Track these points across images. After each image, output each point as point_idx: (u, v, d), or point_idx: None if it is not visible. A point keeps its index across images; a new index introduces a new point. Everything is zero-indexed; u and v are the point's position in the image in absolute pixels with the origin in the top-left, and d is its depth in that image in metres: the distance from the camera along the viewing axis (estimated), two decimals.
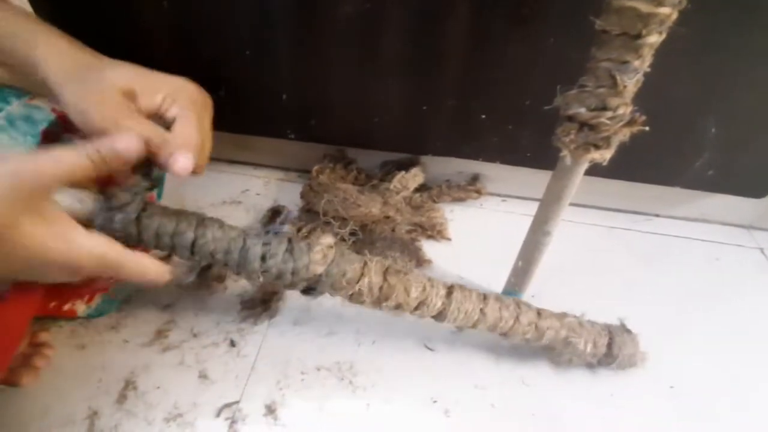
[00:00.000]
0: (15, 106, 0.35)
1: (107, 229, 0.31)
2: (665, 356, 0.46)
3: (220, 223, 0.35)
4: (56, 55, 0.30)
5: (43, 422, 0.39)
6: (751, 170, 0.54)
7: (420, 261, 0.54)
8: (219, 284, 0.50)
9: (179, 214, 0.34)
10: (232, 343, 0.46)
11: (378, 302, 0.37)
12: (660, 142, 0.52)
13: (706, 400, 0.43)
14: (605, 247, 0.59)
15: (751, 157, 0.52)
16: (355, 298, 0.37)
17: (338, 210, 0.55)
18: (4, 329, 0.33)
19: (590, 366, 0.44)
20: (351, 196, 0.55)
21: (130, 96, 0.31)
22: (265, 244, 0.35)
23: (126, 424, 0.40)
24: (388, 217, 0.56)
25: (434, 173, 0.63)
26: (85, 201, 0.30)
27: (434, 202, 0.62)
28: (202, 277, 0.49)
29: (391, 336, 0.47)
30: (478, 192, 0.63)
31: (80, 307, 0.44)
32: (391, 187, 0.58)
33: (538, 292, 0.52)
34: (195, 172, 0.32)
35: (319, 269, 0.35)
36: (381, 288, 0.37)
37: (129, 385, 0.42)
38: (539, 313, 0.41)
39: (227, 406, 0.41)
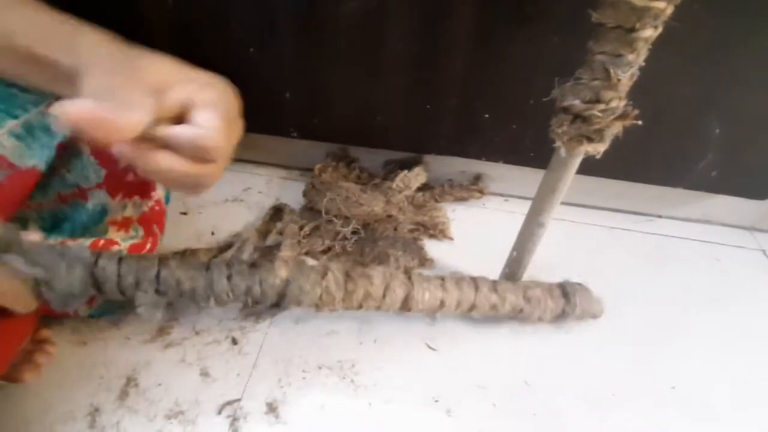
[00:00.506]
0: (33, 115, 0.34)
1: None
2: (666, 357, 0.47)
3: (180, 258, 0.36)
4: (95, 43, 0.28)
5: (44, 418, 0.39)
6: (754, 171, 0.54)
7: (422, 260, 0.54)
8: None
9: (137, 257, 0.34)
10: (234, 341, 0.46)
11: (348, 298, 0.38)
12: (663, 143, 0.52)
13: (707, 400, 0.43)
14: (606, 247, 0.59)
15: (755, 158, 0.52)
16: (324, 297, 0.37)
17: (340, 208, 0.55)
18: (10, 328, 0.33)
19: (558, 320, 0.46)
20: (353, 195, 0.55)
21: (159, 91, 0.27)
22: (228, 266, 0.36)
23: (127, 421, 0.40)
24: (390, 216, 0.56)
25: (437, 172, 0.63)
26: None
27: (437, 201, 0.62)
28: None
29: (393, 335, 0.47)
30: (481, 192, 0.63)
31: (81, 309, 0.44)
32: (394, 186, 0.58)
33: None
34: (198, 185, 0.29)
35: (284, 274, 0.36)
36: (346, 281, 0.38)
37: (130, 382, 0.42)
38: (494, 281, 0.44)
39: (228, 403, 0.41)
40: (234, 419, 0.40)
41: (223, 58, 0.53)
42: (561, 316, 0.45)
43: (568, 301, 0.44)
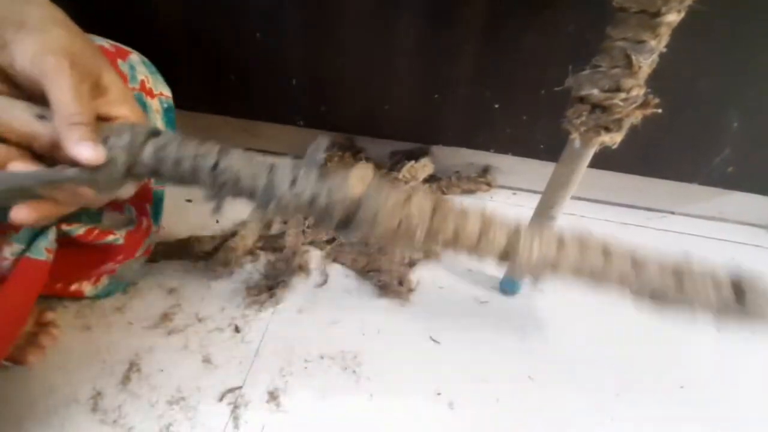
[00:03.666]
0: None
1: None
2: (676, 356, 0.45)
3: (244, 151, 0.31)
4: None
5: (48, 400, 0.40)
6: None
7: (428, 252, 0.53)
8: (225, 269, 0.50)
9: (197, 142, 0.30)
10: (237, 329, 0.46)
11: (432, 234, 0.30)
12: (679, 137, 0.51)
13: (717, 400, 0.42)
14: (617, 244, 0.57)
15: None
16: (403, 229, 0.30)
17: None
18: (7, 309, 0.33)
19: (722, 315, 0.30)
20: None
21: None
22: (295, 168, 0.30)
23: (129, 406, 0.40)
24: None
25: (444, 164, 0.62)
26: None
27: (443, 193, 0.61)
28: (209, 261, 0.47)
29: (397, 326, 0.47)
30: (489, 184, 0.61)
31: (87, 288, 0.44)
32: (400, 177, 0.57)
33: (546, 287, 0.51)
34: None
35: (359, 189, 0.29)
36: (433, 212, 0.30)
37: (133, 366, 0.42)
38: (632, 248, 0.31)
39: (230, 391, 0.41)
40: (235, 407, 0.40)
41: (230, 43, 0.52)
42: (726, 311, 0.30)
43: (741, 293, 0.30)
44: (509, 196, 0.63)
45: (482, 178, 0.61)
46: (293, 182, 0.29)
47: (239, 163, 0.30)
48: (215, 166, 0.29)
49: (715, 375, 0.44)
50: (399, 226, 0.30)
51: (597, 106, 0.31)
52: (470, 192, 0.62)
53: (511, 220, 0.31)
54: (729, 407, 0.42)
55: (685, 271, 0.30)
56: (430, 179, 0.61)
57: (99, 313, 0.46)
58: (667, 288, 0.30)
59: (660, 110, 0.31)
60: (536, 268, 0.30)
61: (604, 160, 0.52)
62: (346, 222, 0.30)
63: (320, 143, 0.33)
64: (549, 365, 0.44)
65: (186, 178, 0.29)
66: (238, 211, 0.58)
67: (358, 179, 0.29)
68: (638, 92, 0.30)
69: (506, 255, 0.30)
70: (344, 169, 0.30)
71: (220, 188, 0.30)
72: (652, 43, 0.27)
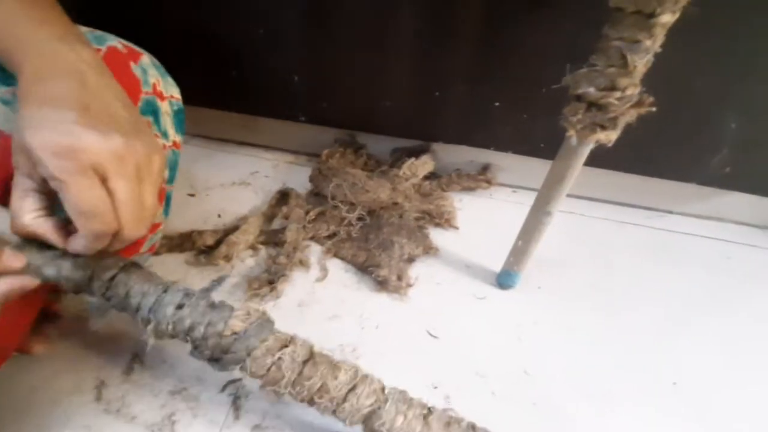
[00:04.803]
0: None
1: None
2: (670, 353, 0.46)
3: (149, 272, 0.32)
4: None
5: (52, 390, 0.40)
6: None
7: (426, 248, 0.54)
8: (226, 263, 0.51)
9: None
10: None
11: (299, 382, 0.31)
12: (677, 137, 0.51)
13: (710, 397, 0.43)
14: (616, 242, 0.58)
15: None
16: (272, 374, 0.31)
17: (346, 194, 0.55)
18: (20, 304, 0.33)
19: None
20: (360, 181, 0.55)
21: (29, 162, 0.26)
22: (186, 295, 0.31)
23: (132, 395, 0.40)
24: (396, 204, 0.56)
25: (445, 161, 0.63)
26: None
27: (443, 190, 0.61)
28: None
29: (395, 321, 0.47)
30: (489, 182, 0.62)
31: None
32: (401, 173, 0.58)
33: (544, 284, 0.52)
34: (122, 238, 0.27)
35: (239, 326, 0.30)
36: (305, 362, 0.31)
37: (136, 358, 0.43)
38: None
39: (231, 382, 0.42)
40: (236, 397, 0.41)
41: (232, 39, 0.53)
42: None
43: None
44: (509, 194, 0.64)
45: (482, 176, 0.62)
46: (179, 307, 0.30)
47: (136, 279, 0.31)
48: (112, 278, 0.30)
49: (708, 372, 0.45)
50: (269, 371, 0.31)
51: (593, 104, 0.31)
52: (470, 189, 0.63)
53: (381, 383, 0.32)
54: (721, 404, 0.43)
55: None
56: (431, 176, 0.62)
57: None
58: None
59: (654, 109, 0.31)
60: None
61: (603, 159, 0.53)
62: (219, 356, 0.31)
63: (221, 279, 0.34)
64: (544, 360, 0.45)
65: (82, 286, 0.30)
66: (239, 206, 0.59)
67: (240, 318, 0.31)
68: (633, 91, 0.30)
69: (370, 422, 0.31)
70: (239, 303, 0.32)
71: (108, 300, 0.31)
72: (648, 43, 0.28)
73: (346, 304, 0.49)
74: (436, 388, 0.42)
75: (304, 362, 0.31)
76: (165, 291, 0.31)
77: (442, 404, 0.41)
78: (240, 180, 0.63)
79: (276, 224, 0.56)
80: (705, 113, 0.48)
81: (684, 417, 0.42)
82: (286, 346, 0.31)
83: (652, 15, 0.27)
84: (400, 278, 0.50)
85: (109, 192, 0.26)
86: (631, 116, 0.31)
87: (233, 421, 0.39)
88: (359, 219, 0.54)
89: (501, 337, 0.47)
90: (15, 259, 0.28)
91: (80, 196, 0.24)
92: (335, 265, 0.53)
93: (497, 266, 0.51)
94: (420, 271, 0.52)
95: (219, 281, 0.47)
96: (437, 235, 0.56)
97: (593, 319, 0.49)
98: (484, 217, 0.60)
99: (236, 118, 0.64)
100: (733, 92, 0.47)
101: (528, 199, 0.61)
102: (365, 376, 0.32)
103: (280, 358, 0.30)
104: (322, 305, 0.48)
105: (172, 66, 0.41)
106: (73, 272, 0.29)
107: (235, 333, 0.30)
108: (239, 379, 0.42)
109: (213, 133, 0.69)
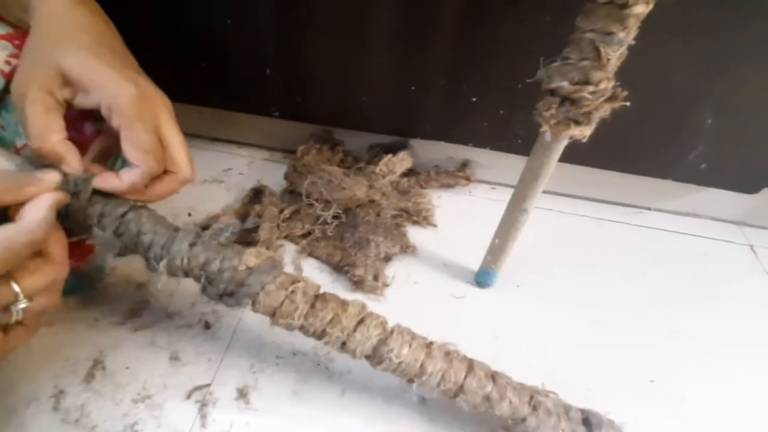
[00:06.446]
0: None
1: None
2: (648, 350, 0.46)
3: (159, 215, 0.34)
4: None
5: (8, 400, 0.38)
6: (744, 165, 0.52)
7: (404, 247, 0.53)
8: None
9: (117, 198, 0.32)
10: (207, 325, 0.45)
11: (312, 314, 0.33)
12: (654, 133, 0.51)
13: (687, 394, 0.43)
14: (594, 239, 0.58)
15: (746, 151, 0.51)
16: (286, 306, 0.32)
17: (322, 192, 0.53)
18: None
19: None
20: (336, 179, 0.54)
21: (69, 86, 0.29)
22: (198, 234, 0.33)
23: (92, 404, 0.38)
24: (373, 201, 0.55)
25: (423, 158, 0.62)
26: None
27: (422, 187, 0.60)
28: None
29: None
30: (467, 179, 0.61)
31: None
32: (377, 170, 0.56)
33: (522, 282, 0.51)
34: (180, 179, 0.32)
35: (253, 261, 0.32)
36: (316, 297, 0.33)
37: (97, 364, 0.41)
38: (494, 372, 0.35)
39: (198, 388, 0.40)
40: (203, 404, 0.39)
41: (201, 30, 0.50)
42: None
43: None
44: (488, 190, 0.63)
45: (461, 173, 0.61)
46: (192, 244, 0.32)
47: (147, 218, 0.32)
48: (124, 214, 0.31)
49: (686, 369, 0.45)
50: (282, 304, 0.32)
51: (567, 99, 0.31)
52: (449, 186, 0.62)
53: (384, 319, 0.35)
54: (699, 400, 0.43)
55: (540, 396, 0.35)
56: (409, 173, 0.61)
57: (63, 309, 0.44)
58: (526, 414, 0.34)
59: (628, 103, 0.31)
60: (406, 369, 0.34)
61: (581, 156, 0.53)
62: (234, 290, 0.32)
63: (230, 225, 0.36)
64: (522, 359, 0.44)
65: (92, 219, 0.32)
66: (211, 204, 0.57)
67: (253, 255, 0.33)
68: (607, 85, 0.29)
69: (378, 351, 0.33)
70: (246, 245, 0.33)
71: (120, 236, 0.32)
72: (621, 35, 0.27)
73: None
74: (412, 387, 0.41)
75: (315, 296, 0.33)
76: (176, 230, 0.33)
77: (418, 405, 0.40)
78: (212, 177, 0.61)
79: (249, 223, 0.54)
80: (681, 110, 0.48)
81: (662, 413, 0.41)
82: (297, 281, 0.33)
83: (625, 6, 0.26)
84: (376, 278, 0.48)
85: (161, 137, 0.30)
86: (605, 111, 0.31)
87: (200, 429, 0.37)
88: (335, 217, 0.53)
89: (479, 336, 0.46)
90: (52, 174, 0.29)
91: (146, 137, 0.29)
92: (310, 265, 0.51)
93: (476, 264, 0.50)
94: (397, 270, 0.51)
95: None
96: (415, 234, 0.55)
97: (571, 316, 0.48)
98: (462, 215, 0.59)
99: (208, 113, 0.62)
100: (709, 89, 0.46)
101: (507, 196, 0.60)
102: (371, 312, 0.35)
103: (293, 292, 0.32)
104: None
105: (137, 56, 0.39)
106: (89, 205, 0.31)
107: (249, 267, 0.32)
108: (206, 385, 0.40)
109: (184, 128, 0.66)
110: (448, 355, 0.34)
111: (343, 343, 0.33)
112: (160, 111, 0.30)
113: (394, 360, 0.33)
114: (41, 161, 0.30)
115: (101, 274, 0.47)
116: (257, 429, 0.38)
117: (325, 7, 0.46)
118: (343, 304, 0.34)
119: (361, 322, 0.33)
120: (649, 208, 0.62)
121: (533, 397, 0.34)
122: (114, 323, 0.44)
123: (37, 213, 0.26)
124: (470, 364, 0.34)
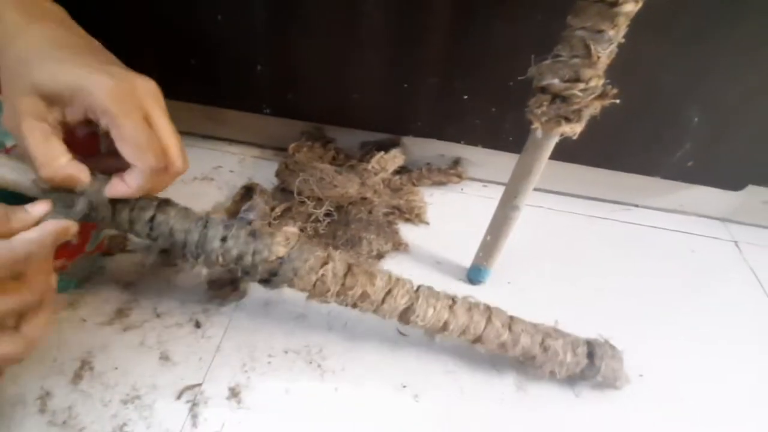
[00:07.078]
0: None
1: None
2: (637, 345, 0.46)
3: (183, 207, 0.35)
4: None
5: None
6: (730, 162, 0.54)
7: (396, 244, 0.53)
8: (185, 262, 0.48)
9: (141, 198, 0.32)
10: (197, 324, 0.44)
11: (343, 292, 0.36)
12: (642, 131, 0.52)
13: (676, 389, 0.44)
14: (583, 236, 0.59)
15: (731, 149, 0.52)
16: (318, 287, 0.35)
17: (314, 190, 0.53)
18: None
19: (572, 379, 0.42)
20: (328, 176, 0.53)
21: (54, 105, 0.27)
22: (226, 227, 0.34)
23: (80, 406, 0.38)
24: (365, 199, 0.55)
25: (415, 156, 0.62)
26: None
27: (414, 185, 0.60)
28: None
29: (364, 320, 0.46)
30: (459, 176, 0.61)
31: None
32: (369, 167, 0.56)
33: (514, 279, 0.51)
34: (171, 172, 0.30)
35: (282, 251, 0.34)
36: (345, 275, 0.36)
37: (85, 365, 0.40)
38: (512, 317, 0.40)
39: (188, 388, 0.39)
40: (194, 404, 0.38)
41: (190, 25, 0.50)
42: (578, 377, 0.41)
43: (591, 364, 0.39)
44: (480, 188, 0.63)
45: (453, 170, 0.61)
46: (224, 239, 0.34)
47: (175, 217, 0.33)
48: (152, 218, 0.32)
49: (674, 364, 0.46)
50: (315, 286, 0.35)
51: (557, 96, 0.31)
52: (441, 184, 0.62)
53: (412, 284, 0.38)
54: (688, 395, 0.43)
55: (551, 338, 0.39)
56: (401, 171, 0.61)
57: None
58: (534, 350, 0.39)
59: (618, 101, 0.31)
60: (431, 328, 0.37)
61: (570, 154, 0.53)
62: (269, 278, 0.35)
63: (253, 204, 0.39)
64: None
65: (123, 226, 0.32)
66: (201, 202, 0.56)
67: (282, 243, 0.35)
68: (597, 83, 0.30)
69: (406, 316, 0.37)
70: (276, 229, 0.36)
71: (155, 240, 0.33)
72: (611, 33, 0.27)
73: (313, 302, 0.47)
74: (405, 386, 0.41)
75: (345, 275, 0.36)
76: (205, 226, 0.34)
77: (411, 403, 0.40)
78: (203, 175, 0.60)
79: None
80: (669, 108, 0.49)
81: (651, 409, 0.42)
82: (326, 263, 0.35)
83: (615, 4, 0.27)
84: None
85: (153, 129, 0.28)
86: (595, 108, 0.31)
87: (191, 429, 0.37)
88: (327, 215, 0.53)
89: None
90: (40, 206, 0.28)
91: (136, 133, 0.27)
92: None
93: (468, 261, 0.50)
94: (389, 267, 0.50)
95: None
96: (407, 231, 0.55)
97: (561, 312, 0.48)
98: (455, 212, 0.59)
99: (199, 109, 0.61)
100: (696, 87, 0.47)
101: (498, 194, 0.60)
102: (398, 280, 0.37)
103: (323, 275, 0.35)
104: (289, 304, 0.47)
105: (125, 54, 0.38)
106: (116, 213, 0.31)
107: (279, 258, 0.34)
108: (197, 385, 0.40)
109: (174, 125, 0.66)
110: (470, 310, 0.38)
111: (374, 311, 0.37)
112: (144, 99, 0.28)
113: (420, 323, 0.37)
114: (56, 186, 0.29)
115: (89, 272, 0.47)
116: (250, 428, 0.38)
117: (316, 3, 0.46)
118: (371, 277, 0.36)
119: (388, 293, 0.36)
120: (637, 205, 0.63)
121: (544, 340, 0.39)
122: (102, 323, 0.43)
123: (29, 233, 0.26)
124: (489, 316, 0.38)
